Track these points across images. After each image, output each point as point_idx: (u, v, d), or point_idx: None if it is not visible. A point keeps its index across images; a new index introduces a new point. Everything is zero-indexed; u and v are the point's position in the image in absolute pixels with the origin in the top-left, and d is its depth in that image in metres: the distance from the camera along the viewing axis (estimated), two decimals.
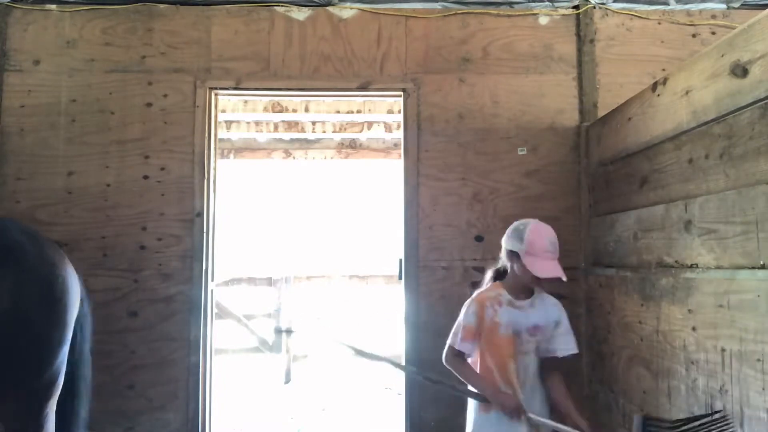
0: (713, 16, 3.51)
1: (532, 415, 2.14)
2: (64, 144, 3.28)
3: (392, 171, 6.89)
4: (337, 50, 3.42)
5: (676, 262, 2.24)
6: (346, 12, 3.45)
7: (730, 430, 1.81)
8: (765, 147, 1.74)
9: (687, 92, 2.17)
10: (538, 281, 2.24)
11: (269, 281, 6.84)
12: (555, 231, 3.27)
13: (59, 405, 2.13)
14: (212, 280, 3.35)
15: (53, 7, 3.38)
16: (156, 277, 3.23)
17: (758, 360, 1.74)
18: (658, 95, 2.40)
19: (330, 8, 3.45)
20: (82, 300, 2.22)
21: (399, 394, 4.24)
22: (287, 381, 6.17)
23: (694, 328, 2.10)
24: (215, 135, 3.42)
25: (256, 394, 5.59)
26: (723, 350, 1.92)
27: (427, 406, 3.22)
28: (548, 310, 2.33)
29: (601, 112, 3.26)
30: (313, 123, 6.03)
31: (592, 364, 3.15)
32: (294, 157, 6.65)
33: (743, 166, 1.85)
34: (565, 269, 3.27)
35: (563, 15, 3.49)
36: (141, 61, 3.36)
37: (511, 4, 3.48)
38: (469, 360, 2.35)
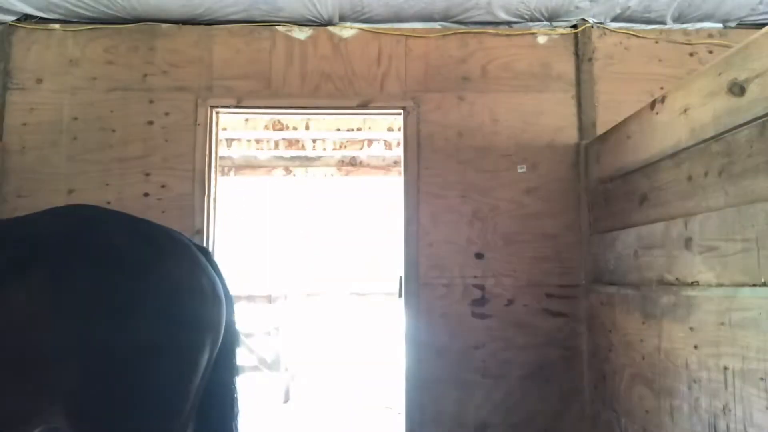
0: (710, 35, 3.55)
1: None
2: (65, 162, 3.29)
3: (392, 188, 6.91)
4: (337, 69, 3.45)
5: (677, 279, 2.24)
6: (347, 32, 3.49)
7: None
8: (764, 164, 1.75)
9: (685, 110, 2.19)
10: None
11: (268, 299, 6.81)
12: (555, 249, 3.31)
13: None
14: None
15: (57, 26, 3.41)
16: None
17: (761, 379, 1.72)
18: (657, 113, 2.42)
19: (331, 28, 3.48)
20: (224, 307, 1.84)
21: (399, 414, 4.20)
22: (286, 400, 6.12)
23: (695, 347, 2.09)
24: (216, 153, 3.43)
25: (254, 413, 5.53)
26: (725, 369, 1.90)
27: (428, 426, 3.19)
28: None
29: (600, 130, 3.28)
30: (314, 140, 6.06)
31: (593, 383, 3.12)
32: (294, 175, 6.68)
33: (742, 184, 1.85)
34: (566, 287, 3.32)
35: (561, 34, 3.53)
36: (143, 79, 3.39)
37: (509, 23, 3.52)
38: None
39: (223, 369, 1.92)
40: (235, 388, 2.00)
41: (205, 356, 1.74)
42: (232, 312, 1.95)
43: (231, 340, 1.94)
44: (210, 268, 1.87)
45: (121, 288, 1.61)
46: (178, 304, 1.69)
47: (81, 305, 1.56)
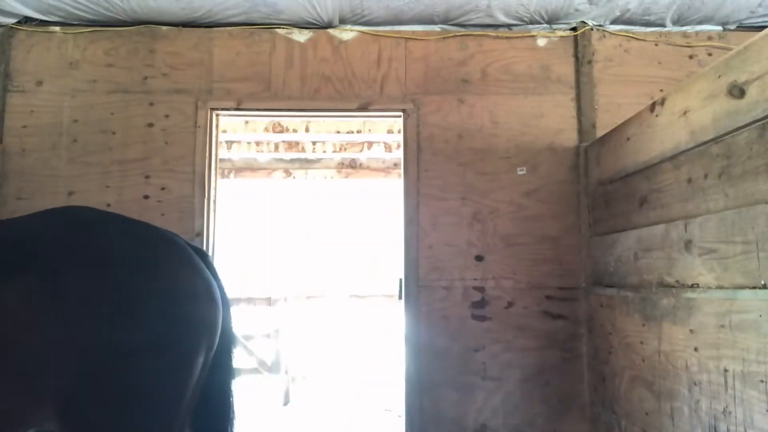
0: (709, 38, 3.55)
1: None
2: (65, 164, 3.29)
3: (392, 190, 6.91)
4: (337, 71, 3.45)
5: (676, 281, 2.24)
6: (347, 34, 3.49)
7: None
8: (763, 167, 1.75)
9: (685, 113, 2.19)
10: None
11: (268, 301, 6.81)
12: (555, 251, 3.31)
13: None
14: None
15: (57, 29, 3.41)
16: None
17: (761, 381, 1.72)
18: (657, 116, 2.42)
19: (331, 30, 3.49)
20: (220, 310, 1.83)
21: (399, 416, 4.20)
22: (286, 402, 6.11)
23: (695, 349, 2.09)
24: (216, 155, 3.43)
25: (254, 416, 5.53)
26: (725, 371, 1.90)
27: (428, 429, 3.19)
28: None
29: (600, 132, 3.28)
30: (314, 143, 6.06)
31: (593, 386, 3.12)
32: (294, 177, 6.68)
33: (742, 186, 1.85)
34: (566, 289, 3.32)
35: (561, 37, 3.53)
36: (143, 82, 3.39)
37: (509, 26, 3.53)
38: None
39: (220, 371, 1.92)
40: (231, 391, 1.99)
41: (201, 358, 1.73)
42: (229, 314, 1.95)
43: (227, 343, 1.93)
44: (206, 270, 1.87)
45: (115, 289, 1.61)
46: (172, 305, 1.69)
47: (75, 307, 1.56)
